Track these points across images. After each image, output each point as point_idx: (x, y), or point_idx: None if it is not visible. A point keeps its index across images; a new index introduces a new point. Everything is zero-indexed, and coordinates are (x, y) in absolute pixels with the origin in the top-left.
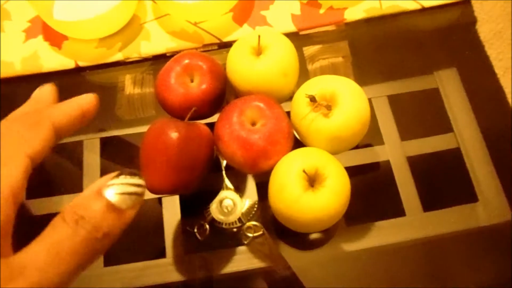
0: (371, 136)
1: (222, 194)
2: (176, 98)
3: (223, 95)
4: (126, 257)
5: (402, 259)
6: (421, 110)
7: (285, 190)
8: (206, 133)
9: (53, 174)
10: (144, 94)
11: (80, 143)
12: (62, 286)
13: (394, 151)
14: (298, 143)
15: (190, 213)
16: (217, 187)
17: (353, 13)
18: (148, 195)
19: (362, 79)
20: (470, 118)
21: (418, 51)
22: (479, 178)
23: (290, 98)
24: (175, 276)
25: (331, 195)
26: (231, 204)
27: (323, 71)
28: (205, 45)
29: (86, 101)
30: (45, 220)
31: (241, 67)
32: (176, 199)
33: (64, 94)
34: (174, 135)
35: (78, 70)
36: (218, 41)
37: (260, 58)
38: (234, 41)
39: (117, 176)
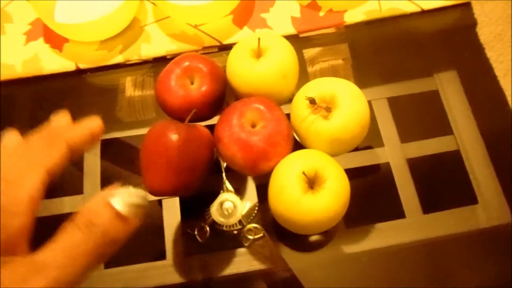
0: (371, 138)
1: (223, 196)
2: (176, 100)
3: (223, 97)
4: (127, 258)
5: (402, 261)
6: (421, 112)
7: (284, 192)
8: (206, 135)
9: None
10: (145, 96)
11: None
12: (75, 285)
13: (394, 153)
14: (298, 145)
15: (190, 215)
16: (217, 189)
17: (353, 16)
18: (149, 197)
19: (362, 81)
20: (470, 120)
21: (418, 54)
22: (479, 180)
23: (290, 100)
24: (175, 278)
25: (331, 197)
26: (232, 206)
27: (323, 73)
28: (205, 48)
29: (94, 124)
30: (47, 222)
31: (241, 70)
32: (176, 201)
33: (65, 96)
34: (174, 137)
35: (78, 72)
36: (218, 44)
37: (260, 61)
38: (234, 44)
39: (122, 187)
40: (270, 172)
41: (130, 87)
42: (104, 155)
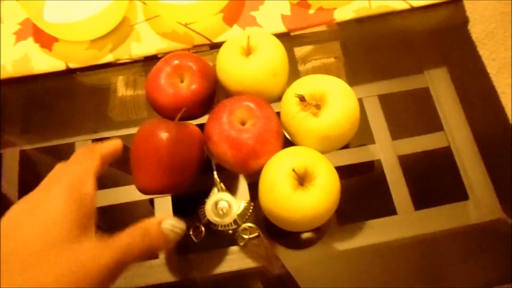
0: (363, 135)
1: (218, 196)
2: (166, 98)
3: (213, 95)
4: None
5: (394, 257)
6: (412, 110)
7: (275, 189)
8: (196, 134)
9: (44, 177)
10: (137, 96)
11: (72, 145)
12: (120, 272)
13: (385, 150)
14: (288, 143)
15: (183, 213)
16: (209, 188)
17: (343, 13)
18: (140, 196)
19: (353, 79)
20: (461, 117)
21: (409, 51)
22: (469, 176)
23: (280, 98)
24: (167, 277)
25: (321, 194)
26: (227, 206)
27: (315, 71)
28: (195, 46)
29: (117, 142)
30: None
31: (230, 67)
32: (168, 199)
33: (55, 95)
34: (164, 135)
35: (69, 71)
36: (208, 42)
37: (250, 58)
38: (224, 42)
39: (173, 217)
40: (260, 170)
41: (121, 87)
42: None
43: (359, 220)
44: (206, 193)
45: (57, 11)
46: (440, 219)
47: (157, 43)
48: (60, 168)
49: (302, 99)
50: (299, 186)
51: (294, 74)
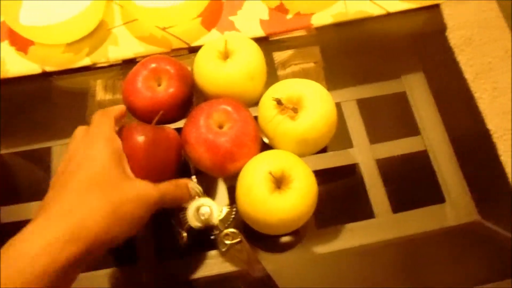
0: (341, 139)
1: (199, 201)
2: (143, 102)
3: (191, 99)
4: (97, 263)
5: (373, 260)
6: (389, 114)
7: (252, 192)
8: (173, 137)
9: (21, 181)
10: (115, 100)
11: (48, 150)
12: (157, 207)
13: (363, 154)
14: (266, 147)
15: (163, 219)
16: None
17: (320, 18)
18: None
19: (332, 83)
20: (437, 121)
21: (387, 56)
22: (446, 179)
23: (257, 102)
24: (150, 283)
25: (298, 197)
26: (208, 211)
27: (295, 76)
28: (174, 50)
29: (122, 106)
30: (14, 227)
31: (208, 71)
32: None
33: (32, 99)
34: (140, 138)
35: (45, 75)
36: (186, 46)
37: (227, 62)
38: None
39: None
40: (238, 173)
41: (100, 90)
42: None
43: (338, 223)
44: None
45: (33, 13)
46: (417, 221)
47: (135, 47)
48: (83, 131)
49: (279, 102)
50: (276, 189)
51: (273, 79)
